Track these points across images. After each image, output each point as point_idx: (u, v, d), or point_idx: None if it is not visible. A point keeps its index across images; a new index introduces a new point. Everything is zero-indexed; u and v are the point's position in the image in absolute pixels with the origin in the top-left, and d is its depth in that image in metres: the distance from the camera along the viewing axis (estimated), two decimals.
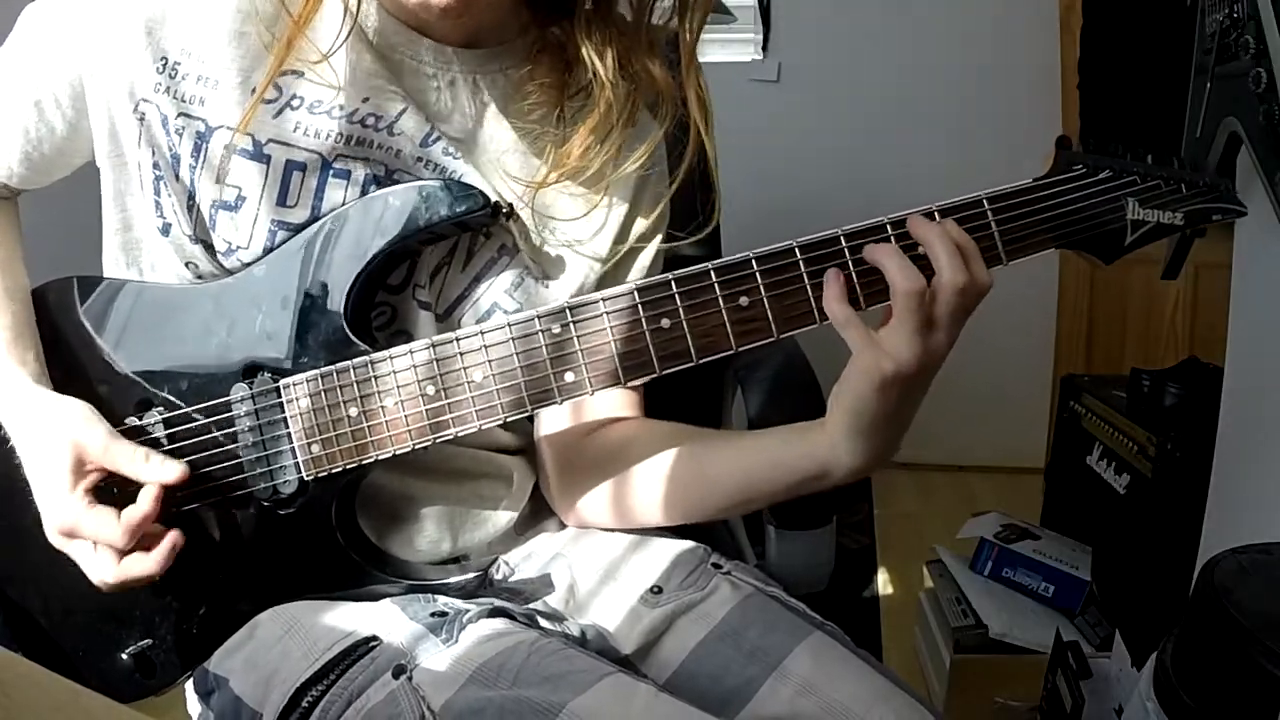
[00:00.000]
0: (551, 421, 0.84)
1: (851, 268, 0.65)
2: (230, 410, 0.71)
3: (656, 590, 0.76)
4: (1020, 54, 2.46)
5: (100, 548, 0.68)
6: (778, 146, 2.51)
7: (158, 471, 0.69)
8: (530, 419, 0.82)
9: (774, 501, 0.77)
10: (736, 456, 0.76)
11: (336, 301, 0.70)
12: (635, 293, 0.65)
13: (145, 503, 0.68)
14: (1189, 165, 0.69)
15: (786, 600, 0.77)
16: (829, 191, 2.44)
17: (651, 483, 0.78)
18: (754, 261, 0.65)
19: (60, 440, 0.69)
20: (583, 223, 0.78)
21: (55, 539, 0.70)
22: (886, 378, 0.64)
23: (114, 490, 0.70)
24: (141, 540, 0.68)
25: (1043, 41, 2.43)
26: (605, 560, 0.81)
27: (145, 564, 0.68)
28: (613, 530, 0.84)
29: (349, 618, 0.70)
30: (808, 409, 0.74)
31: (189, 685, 0.75)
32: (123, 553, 0.68)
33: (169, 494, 0.69)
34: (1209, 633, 0.89)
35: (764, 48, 2.56)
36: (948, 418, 2.72)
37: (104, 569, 0.69)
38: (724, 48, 2.56)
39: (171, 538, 0.68)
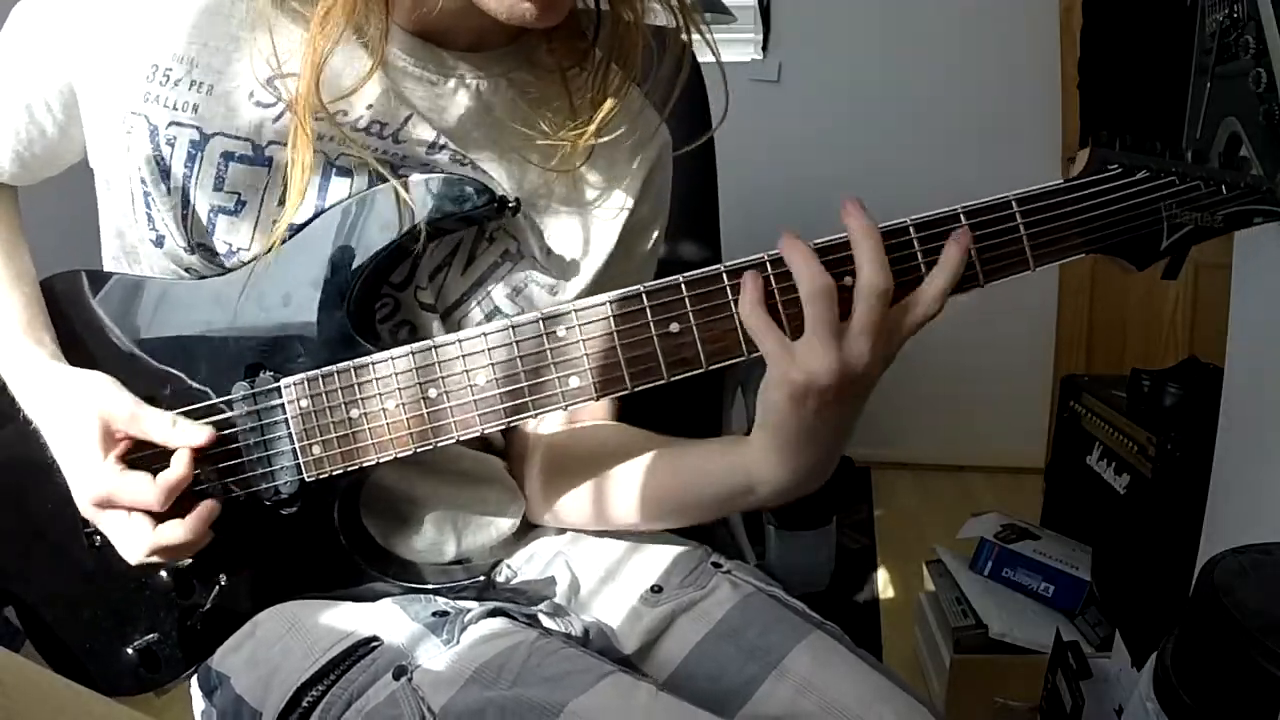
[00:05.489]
0: (541, 424, 0.84)
1: None
2: (231, 409, 0.70)
3: (657, 590, 0.77)
4: (1020, 54, 2.46)
5: (134, 516, 0.67)
6: (778, 146, 2.51)
7: (186, 435, 0.68)
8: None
9: (710, 515, 0.76)
10: (676, 467, 0.75)
11: (340, 299, 0.69)
12: (644, 295, 0.63)
13: (179, 466, 0.66)
14: (1229, 164, 0.65)
15: (786, 600, 0.77)
16: (829, 191, 2.44)
17: (611, 490, 0.78)
18: (769, 264, 0.62)
19: (86, 411, 0.68)
20: (592, 213, 0.78)
21: (88, 511, 0.69)
22: (797, 389, 0.60)
23: (146, 462, 0.68)
24: (174, 510, 0.67)
25: (1043, 42, 2.43)
26: (605, 560, 0.82)
27: (179, 530, 0.66)
28: (597, 530, 0.83)
29: (350, 617, 0.70)
30: None
31: (193, 682, 0.75)
32: (157, 520, 0.67)
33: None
34: (1209, 633, 0.89)
35: (764, 48, 2.56)
36: (948, 418, 2.75)
37: (139, 537, 0.67)
38: (724, 48, 2.55)
39: (207, 505, 0.67)
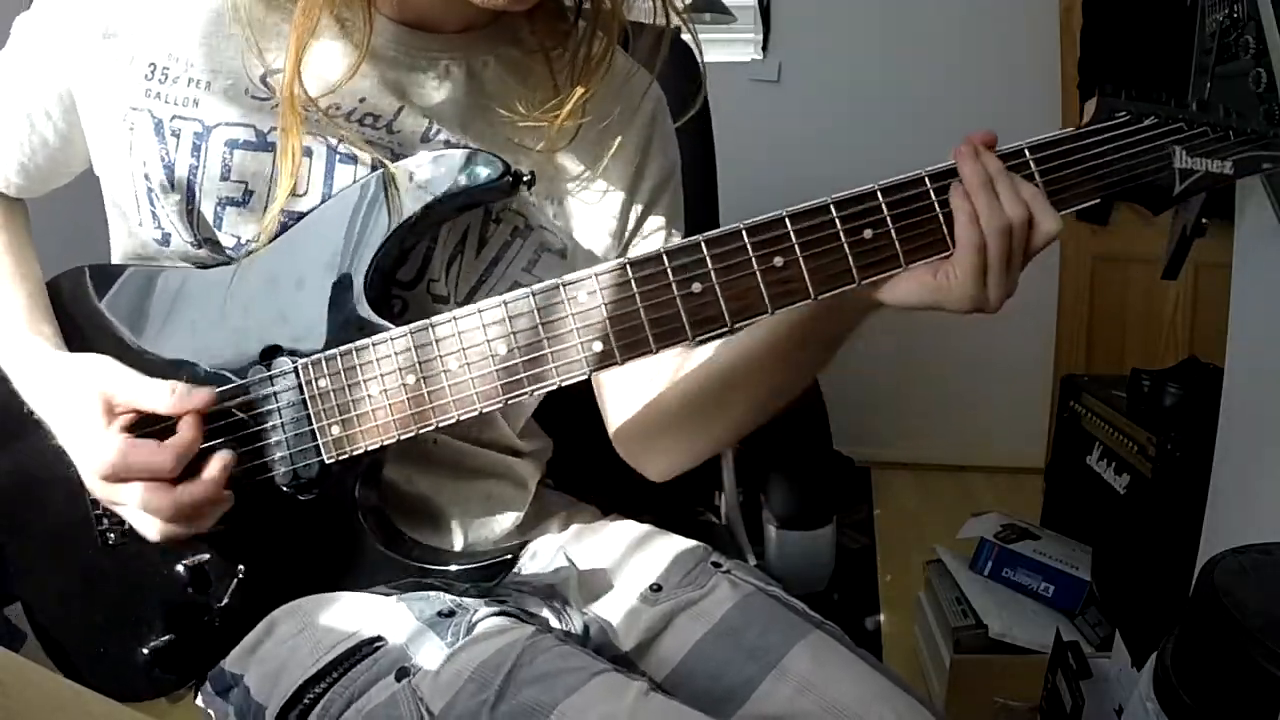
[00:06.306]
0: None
1: (890, 224, 0.63)
2: (248, 394, 0.69)
3: (656, 588, 0.77)
4: (1020, 54, 2.46)
5: (151, 486, 0.66)
6: (778, 146, 2.51)
7: (186, 401, 0.67)
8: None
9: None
10: (769, 366, 0.73)
11: (354, 280, 0.69)
12: (664, 256, 0.62)
13: (186, 429, 0.66)
14: (1235, 111, 0.66)
15: (786, 599, 0.77)
16: (829, 191, 2.44)
17: (688, 417, 0.77)
18: (788, 220, 0.62)
19: (87, 391, 0.68)
20: (593, 186, 0.78)
21: (101, 489, 0.68)
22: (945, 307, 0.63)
23: (152, 436, 0.67)
24: (188, 473, 0.66)
25: (1043, 42, 2.43)
26: (606, 558, 0.82)
27: (199, 488, 0.66)
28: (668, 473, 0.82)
29: (357, 616, 0.70)
30: (806, 402, 0.73)
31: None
32: (173, 484, 0.66)
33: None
34: (1209, 633, 0.90)
35: (764, 48, 2.56)
36: (948, 418, 2.74)
37: (159, 503, 0.66)
38: (724, 48, 2.56)
39: (222, 456, 0.66)
